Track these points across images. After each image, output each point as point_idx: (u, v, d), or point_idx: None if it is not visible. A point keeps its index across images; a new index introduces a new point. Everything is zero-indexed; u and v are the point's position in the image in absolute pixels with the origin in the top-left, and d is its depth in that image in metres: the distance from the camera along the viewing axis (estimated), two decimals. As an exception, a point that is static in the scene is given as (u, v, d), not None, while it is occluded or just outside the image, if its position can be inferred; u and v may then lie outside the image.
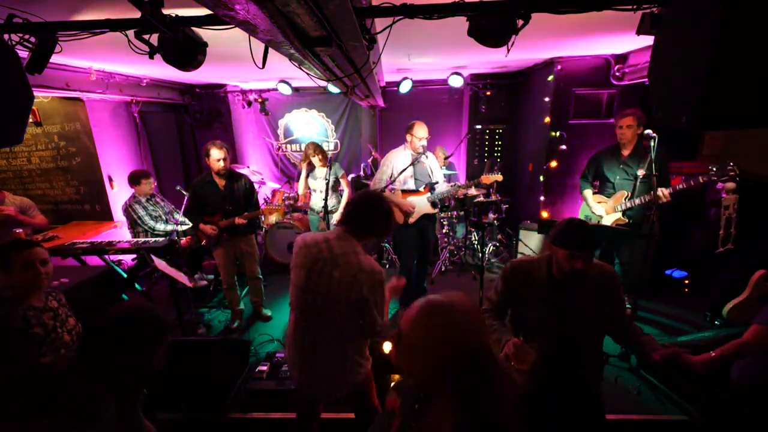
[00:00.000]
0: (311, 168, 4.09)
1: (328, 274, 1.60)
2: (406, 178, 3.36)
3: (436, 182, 3.44)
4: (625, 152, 3.16)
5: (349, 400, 1.84)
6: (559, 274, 1.59)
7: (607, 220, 3.22)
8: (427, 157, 3.41)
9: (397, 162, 3.33)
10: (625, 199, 3.13)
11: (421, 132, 3.27)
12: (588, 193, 3.38)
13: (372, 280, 1.60)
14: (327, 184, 3.73)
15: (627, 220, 3.15)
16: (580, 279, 1.57)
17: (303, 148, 5.90)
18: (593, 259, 1.59)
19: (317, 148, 3.94)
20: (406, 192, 3.41)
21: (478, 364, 0.89)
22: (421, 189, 3.44)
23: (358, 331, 1.67)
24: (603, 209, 3.25)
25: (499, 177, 3.41)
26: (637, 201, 3.04)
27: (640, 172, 3.06)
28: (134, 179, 3.79)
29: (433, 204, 3.46)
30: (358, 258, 1.61)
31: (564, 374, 1.64)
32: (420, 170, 3.42)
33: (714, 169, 2.68)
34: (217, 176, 3.22)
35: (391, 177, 3.30)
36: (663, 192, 2.82)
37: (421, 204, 3.42)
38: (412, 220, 3.40)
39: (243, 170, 5.06)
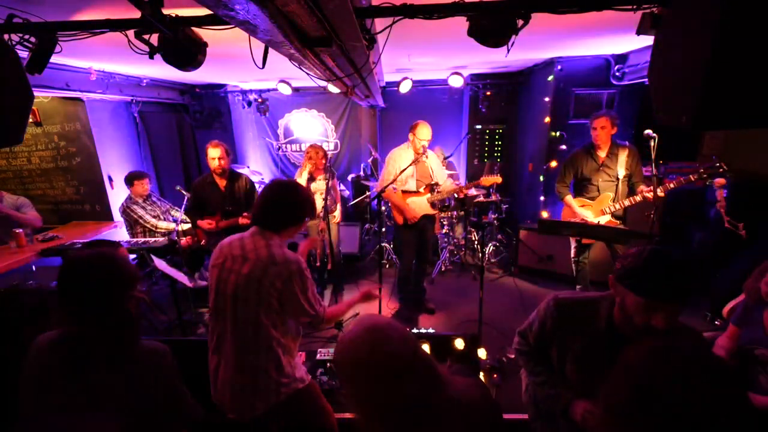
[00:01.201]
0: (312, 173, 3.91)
1: (236, 271, 1.50)
2: (407, 178, 3.36)
3: (436, 183, 3.44)
4: (602, 154, 3.18)
5: (272, 424, 1.62)
6: (624, 327, 1.17)
7: (600, 222, 3.23)
8: (427, 157, 3.40)
9: (400, 161, 3.32)
10: (610, 201, 3.15)
11: (423, 133, 3.25)
12: (570, 198, 3.37)
13: (287, 270, 1.47)
14: (327, 184, 3.73)
15: (618, 222, 3.17)
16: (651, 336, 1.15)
17: (304, 149, 5.89)
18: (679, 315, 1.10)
19: (323, 151, 3.85)
20: (407, 192, 3.41)
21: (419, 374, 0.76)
22: (421, 190, 3.43)
23: (277, 338, 1.52)
24: (590, 213, 3.25)
25: (498, 179, 3.42)
26: (626, 203, 3.06)
27: (622, 173, 3.09)
28: (128, 180, 3.81)
29: (433, 204, 3.46)
30: (270, 251, 1.50)
31: None
32: (421, 170, 3.41)
33: (702, 168, 2.72)
34: (218, 176, 3.23)
35: (394, 177, 3.29)
36: (646, 192, 2.88)
37: (421, 204, 3.42)
38: (411, 221, 3.40)
39: (243, 170, 5.06)
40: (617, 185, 3.14)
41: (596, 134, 3.14)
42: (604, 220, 3.19)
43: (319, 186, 3.87)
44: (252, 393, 1.52)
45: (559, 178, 3.42)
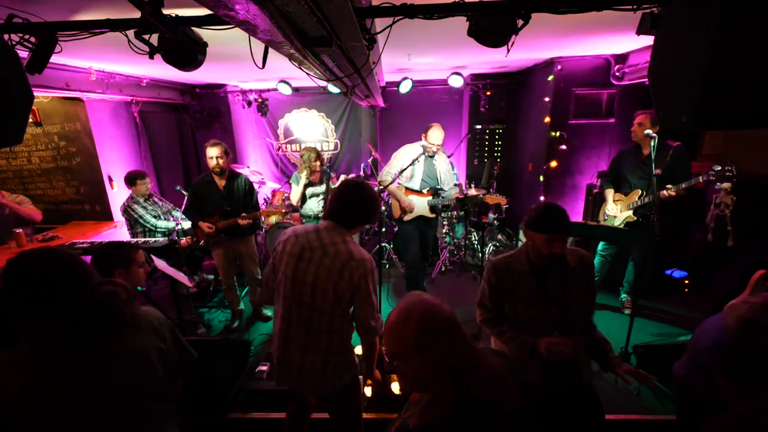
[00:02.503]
0: (310, 176, 3.78)
1: (316, 262, 1.57)
2: (412, 176, 3.35)
3: (441, 188, 3.43)
4: (645, 151, 3.18)
5: (330, 404, 1.78)
6: (538, 260, 1.60)
7: (619, 218, 3.27)
8: (436, 160, 3.40)
9: (408, 158, 3.33)
10: (638, 198, 3.16)
11: (434, 137, 3.28)
12: (609, 192, 3.41)
13: (363, 267, 1.56)
14: (327, 185, 3.72)
15: (637, 218, 3.17)
16: (559, 263, 1.60)
17: (301, 149, 5.89)
18: (567, 243, 1.61)
19: (316, 152, 3.74)
20: (409, 190, 3.41)
21: (452, 336, 0.93)
22: (424, 191, 3.43)
23: (345, 325, 1.65)
24: (618, 208, 3.29)
25: (503, 200, 3.44)
26: (647, 199, 3.07)
27: (657, 171, 3.06)
28: (130, 180, 3.79)
29: (432, 208, 3.43)
30: (348, 247, 1.59)
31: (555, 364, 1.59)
32: (429, 171, 3.41)
33: (715, 170, 2.71)
34: (217, 176, 3.22)
35: (399, 171, 3.30)
36: (668, 189, 2.88)
37: (420, 205, 3.41)
38: (407, 218, 3.39)
39: (243, 170, 5.06)
40: (650, 183, 3.08)
41: (633, 131, 3.16)
42: (624, 216, 3.23)
43: (315, 190, 3.85)
44: (321, 375, 1.64)
45: (604, 173, 3.55)
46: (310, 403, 1.94)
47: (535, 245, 1.56)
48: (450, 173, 3.52)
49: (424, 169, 3.38)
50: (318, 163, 3.69)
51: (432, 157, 3.39)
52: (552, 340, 1.50)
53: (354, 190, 1.67)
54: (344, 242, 1.60)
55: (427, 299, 0.97)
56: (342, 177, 4.27)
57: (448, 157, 4.92)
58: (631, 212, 3.20)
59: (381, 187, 3.21)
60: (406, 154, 3.35)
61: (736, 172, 2.63)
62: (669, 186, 2.91)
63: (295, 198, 3.81)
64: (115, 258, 1.73)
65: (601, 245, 3.54)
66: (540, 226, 1.53)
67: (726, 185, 2.92)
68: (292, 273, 1.61)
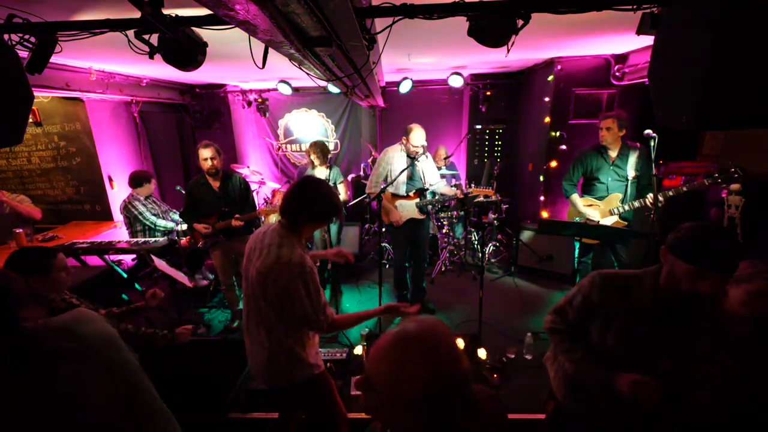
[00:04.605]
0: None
1: (254, 263, 1.60)
2: (399, 182, 3.31)
3: (427, 189, 3.40)
4: (613, 153, 3.16)
5: (295, 400, 1.84)
6: (670, 293, 1.22)
7: (606, 223, 3.21)
8: (418, 160, 3.31)
9: (394, 163, 3.28)
10: (620, 202, 3.13)
11: (417, 139, 3.19)
12: (576, 197, 3.33)
13: (289, 272, 1.49)
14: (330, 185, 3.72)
15: (625, 223, 3.15)
16: (702, 307, 1.23)
17: (305, 149, 5.86)
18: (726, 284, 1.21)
19: (317, 146, 3.81)
20: (396, 196, 3.37)
21: (459, 395, 0.76)
22: (411, 194, 3.39)
23: (279, 325, 1.61)
24: (597, 212, 3.21)
25: (490, 191, 3.46)
26: (636, 204, 3.03)
27: (631, 174, 3.07)
28: (136, 181, 3.78)
29: (421, 209, 3.41)
30: (278, 251, 1.52)
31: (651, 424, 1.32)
32: (412, 174, 3.36)
33: (718, 173, 2.66)
34: (211, 177, 3.18)
35: (386, 179, 3.26)
36: (664, 194, 2.81)
37: (408, 208, 3.38)
38: (396, 223, 3.38)
39: (243, 170, 5.05)
40: (627, 186, 3.11)
41: (602, 135, 3.13)
42: (611, 221, 3.16)
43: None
44: (268, 368, 1.66)
45: (566, 176, 3.38)
46: (293, 402, 1.94)
47: (675, 274, 1.18)
48: (433, 169, 3.47)
49: (406, 174, 3.31)
50: (317, 155, 3.74)
51: (413, 158, 3.30)
52: (641, 379, 1.21)
53: (308, 189, 1.60)
54: (278, 245, 1.54)
55: (452, 342, 0.78)
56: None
57: (449, 157, 4.96)
58: (616, 218, 3.16)
59: (369, 198, 3.20)
60: (389, 159, 3.29)
61: (743, 173, 2.58)
62: (650, 195, 2.84)
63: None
64: (28, 264, 1.66)
65: (578, 252, 3.40)
66: (690, 253, 1.13)
67: (734, 186, 2.90)
68: (244, 270, 1.68)
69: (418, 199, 3.39)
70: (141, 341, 1.83)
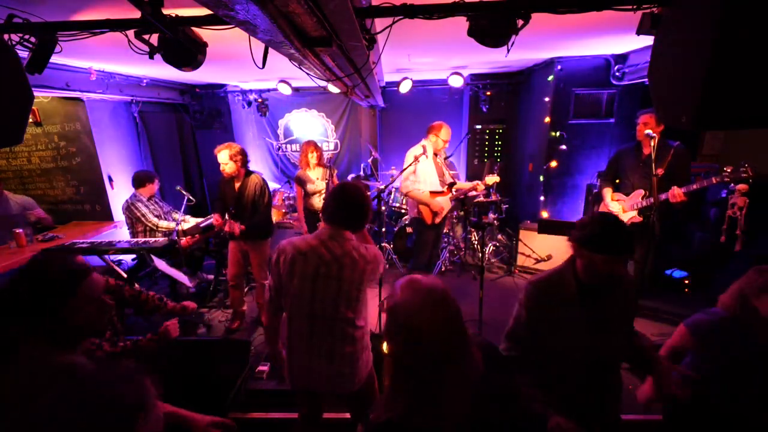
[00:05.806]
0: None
1: (335, 276, 1.59)
2: (432, 180, 3.41)
3: (453, 182, 3.51)
4: (646, 151, 3.13)
5: (352, 400, 1.82)
6: (593, 280, 1.39)
7: (623, 218, 3.22)
8: (438, 156, 3.47)
9: (422, 161, 3.34)
10: (642, 198, 3.12)
11: (448, 134, 3.35)
12: (606, 191, 3.34)
13: (376, 263, 1.67)
14: (327, 184, 3.73)
15: (642, 219, 3.13)
16: (615, 284, 1.40)
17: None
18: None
19: (312, 145, 3.87)
20: (434, 193, 3.45)
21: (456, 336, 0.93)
22: (445, 189, 3.49)
23: (360, 326, 1.69)
24: (619, 207, 3.23)
25: (497, 178, 3.52)
26: (652, 200, 3.00)
27: (659, 171, 3.02)
28: (140, 182, 3.78)
29: (462, 203, 3.56)
30: (360, 252, 1.63)
31: (590, 401, 1.45)
32: (439, 170, 3.47)
33: (728, 170, 2.61)
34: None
35: (420, 178, 3.36)
36: (675, 191, 2.77)
37: (445, 204, 3.48)
38: (438, 220, 3.42)
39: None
40: (653, 183, 3.08)
41: (638, 129, 3.11)
42: (628, 216, 3.16)
43: (317, 186, 3.86)
44: (351, 376, 1.68)
45: (603, 172, 3.47)
46: (322, 403, 1.94)
47: (593, 265, 1.35)
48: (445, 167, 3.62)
49: (436, 171, 3.42)
50: (315, 155, 3.81)
51: (436, 154, 3.44)
52: (564, 424, 1.30)
53: (358, 196, 1.67)
54: (355, 249, 1.63)
55: (454, 300, 0.97)
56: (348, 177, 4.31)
57: (449, 157, 4.95)
58: (635, 213, 3.16)
59: (404, 195, 3.29)
60: (419, 158, 3.33)
61: (752, 173, 2.53)
62: (676, 188, 2.78)
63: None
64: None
65: None
66: (600, 246, 1.32)
67: (741, 187, 2.87)
68: (310, 295, 1.61)
69: (451, 193, 3.48)
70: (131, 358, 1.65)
